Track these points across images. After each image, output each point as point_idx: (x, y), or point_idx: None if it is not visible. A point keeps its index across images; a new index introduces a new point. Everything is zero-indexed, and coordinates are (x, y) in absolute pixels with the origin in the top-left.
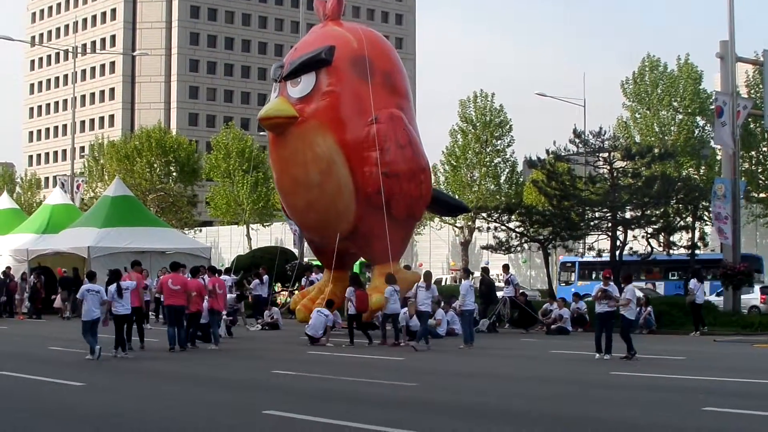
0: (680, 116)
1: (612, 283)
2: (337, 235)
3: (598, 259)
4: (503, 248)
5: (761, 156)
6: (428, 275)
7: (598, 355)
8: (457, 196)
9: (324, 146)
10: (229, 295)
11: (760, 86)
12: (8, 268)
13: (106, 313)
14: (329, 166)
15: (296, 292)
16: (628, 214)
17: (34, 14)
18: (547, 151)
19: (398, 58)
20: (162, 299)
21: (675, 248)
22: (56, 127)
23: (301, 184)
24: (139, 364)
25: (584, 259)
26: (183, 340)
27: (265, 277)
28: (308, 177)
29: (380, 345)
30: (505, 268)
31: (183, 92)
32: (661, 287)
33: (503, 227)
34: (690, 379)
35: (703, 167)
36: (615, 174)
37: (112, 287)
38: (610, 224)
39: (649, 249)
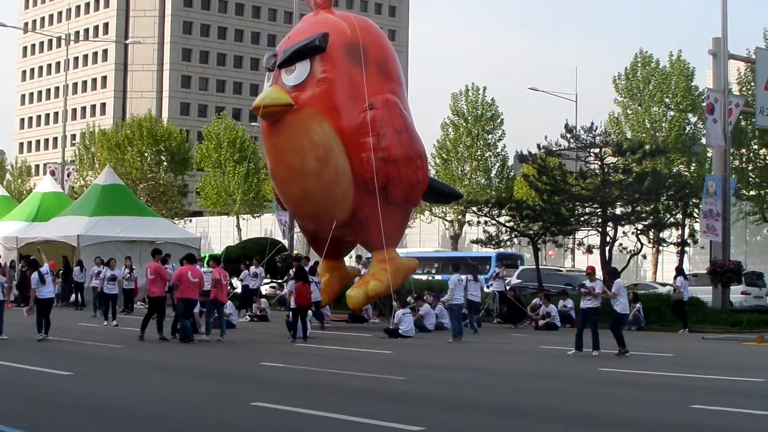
0: (672, 113)
1: (598, 280)
2: (333, 222)
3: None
4: (493, 242)
5: (752, 153)
6: (475, 268)
7: (573, 350)
8: None
9: (321, 133)
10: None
11: (752, 84)
12: None
13: (32, 302)
14: (327, 153)
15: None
16: (618, 210)
17: (27, 0)
18: (539, 146)
19: (391, 45)
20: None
21: (665, 245)
22: (47, 115)
23: (297, 172)
24: (127, 353)
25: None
26: (189, 331)
27: (258, 269)
28: (305, 165)
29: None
30: (498, 261)
31: (175, 81)
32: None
33: (493, 221)
34: (678, 376)
35: (693, 164)
36: (606, 170)
37: (35, 275)
38: (600, 220)
39: (639, 245)
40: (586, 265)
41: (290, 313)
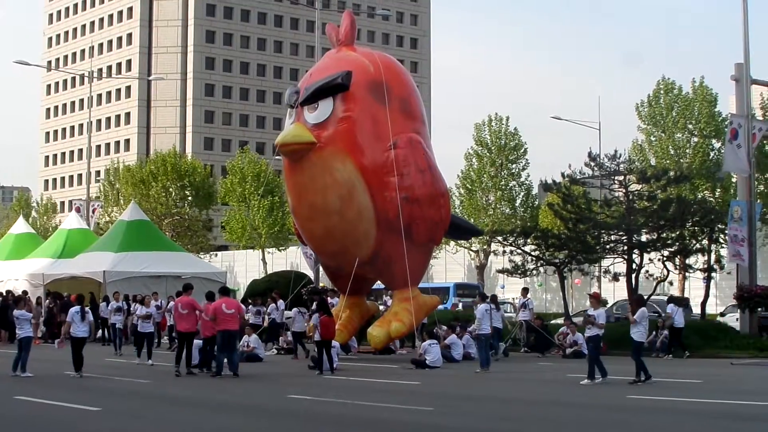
0: (695, 139)
1: (602, 308)
2: (355, 260)
3: None
4: (519, 272)
5: None
6: (495, 298)
7: (601, 379)
8: (472, 220)
9: (344, 171)
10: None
11: None
12: (24, 292)
13: (64, 335)
14: (350, 192)
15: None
16: (643, 237)
17: (50, 39)
18: (563, 175)
19: (413, 83)
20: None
21: (691, 271)
22: (72, 152)
23: (319, 211)
24: (155, 389)
25: None
26: (236, 364)
27: (280, 302)
28: (327, 203)
29: (293, 359)
30: (524, 291)
31: (198, 116)
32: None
33: (519, 251)
34: (707, 402)
35: (718, 190)
36: (630, 197)
37: (76, 309)
38: (625, 247)
39: (665, 272)
40: (600, 293)
41: (315, 347)
